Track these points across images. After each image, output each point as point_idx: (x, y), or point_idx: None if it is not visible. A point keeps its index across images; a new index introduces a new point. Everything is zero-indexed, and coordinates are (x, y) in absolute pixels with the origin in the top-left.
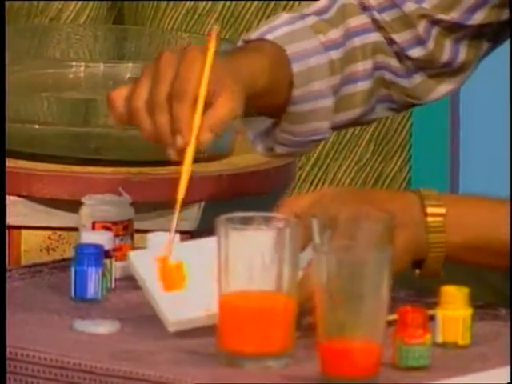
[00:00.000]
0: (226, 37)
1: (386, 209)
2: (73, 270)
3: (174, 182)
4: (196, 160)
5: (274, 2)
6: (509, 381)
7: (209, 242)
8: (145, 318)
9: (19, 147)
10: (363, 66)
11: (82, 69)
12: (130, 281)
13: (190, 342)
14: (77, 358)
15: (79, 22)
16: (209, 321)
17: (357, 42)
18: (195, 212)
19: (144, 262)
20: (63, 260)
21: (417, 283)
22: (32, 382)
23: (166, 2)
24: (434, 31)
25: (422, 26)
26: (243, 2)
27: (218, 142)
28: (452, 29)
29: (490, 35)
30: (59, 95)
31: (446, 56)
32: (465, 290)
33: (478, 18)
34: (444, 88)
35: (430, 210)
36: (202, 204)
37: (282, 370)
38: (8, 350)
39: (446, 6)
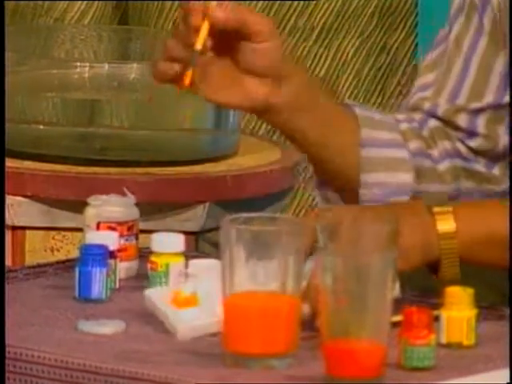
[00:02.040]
0: None
1: (393, 210)
2: (77, 270)
3: (179, 182)
4: (201, 161)
5: (278, 2)
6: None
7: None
8: (149, 319)
9: (24, 148)
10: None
11: (87, 69)
12: (135, 281)
13: (195, 342)
14: (81, 358)
15: (84, 22)
16: (219, 327)
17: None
18: (200, 212)
19: (159, 294)
20: (68, 260)
21: (421, 284)
22: (37, 383)
23: (170, 2)
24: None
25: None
26: (247, 2)
27: (223, 143)
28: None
29: None
30: (64, 95)
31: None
32: (469, 290)
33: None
34: None
35: (436, 209)
36: (207, 205)
37: (286, 371)
38: (13, 350)
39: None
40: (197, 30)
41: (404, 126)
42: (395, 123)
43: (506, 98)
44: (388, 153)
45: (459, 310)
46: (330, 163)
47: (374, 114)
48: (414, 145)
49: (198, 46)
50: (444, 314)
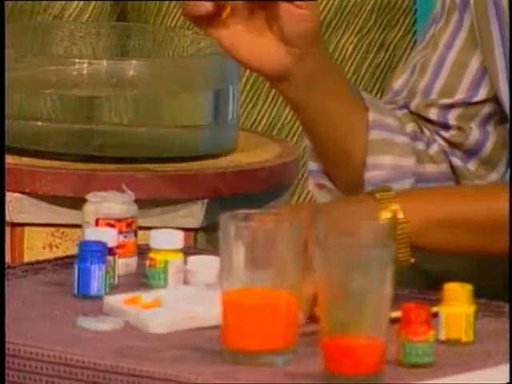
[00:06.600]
0: None
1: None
2: (76, 267)
3: (178, 179)
4: (200, 158)
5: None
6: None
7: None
8: None
9: (23, 144)
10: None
11: (86, 66)
12: (134, 278)
13: (194, 339)
14: (80, 354)
15: (82, 20)
16: (192, 323)
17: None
18: (199, 209)
19: (118, 299)
20: (66, 257)
21: (420, 281)
22: (35, 379)
23: (168, 2)
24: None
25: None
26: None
27: (221, 139)
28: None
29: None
30: (63, 92)
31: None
32: (468, 287)
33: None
34: (494, 176)
35: (378, 195)
36: (206, 201)
37: (285, 367)
38: (11, 347)
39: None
40: None
41: (399, 112)
42: (392, 111)
43: (477, 97)
44: (394, 138)
45: (458, 306)
46: (339, 144)
47: (376, 100)
48: (410, 128)
49: None
50: (443, 310)
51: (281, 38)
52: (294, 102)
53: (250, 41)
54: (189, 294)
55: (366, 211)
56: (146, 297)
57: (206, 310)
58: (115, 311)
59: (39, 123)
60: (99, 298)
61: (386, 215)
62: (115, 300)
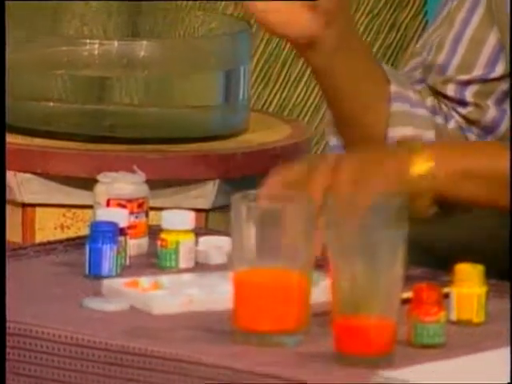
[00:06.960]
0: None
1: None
2: (87, 247)
3: (189, 159)
4: (211, 138)
5: None
6: None
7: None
8: None
9: (34, 125)
10: None
11: (97, 46)
12: (145, 258)
13: (204, 319)
14: (91, 335)
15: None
16: (192, 307)
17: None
18: (210, 190)
19: (119, 282)
20: (78, 238)
21: (432, 262)
22: (47, 359)
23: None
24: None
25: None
26: None
27: (233, 120)
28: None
29: None
30: (74, 73)
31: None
32: (479, 267)
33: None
34: None
35: (409, 145)
36: (217, 182)
37: (297, 348)
38: (22, 327)
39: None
40: None
41: (418, 86)
42: (412, 84)
43: (494, 74)
44: (415, 111)
45: (469, 287)
46: (361, 115)
47: (396, 73)
48: (429, 102)
49: None
50: (454, 290)
51: (309, 5)
52: (319, 70)
53: (279, 7)
54: (187, 279)
55: (395, 159)
56: (145, 281)
57: (207, 294)
58: (115, 293)
59: (50, 104)
60: (111, 278)
61: (419, 168)
62: (116, 283)
